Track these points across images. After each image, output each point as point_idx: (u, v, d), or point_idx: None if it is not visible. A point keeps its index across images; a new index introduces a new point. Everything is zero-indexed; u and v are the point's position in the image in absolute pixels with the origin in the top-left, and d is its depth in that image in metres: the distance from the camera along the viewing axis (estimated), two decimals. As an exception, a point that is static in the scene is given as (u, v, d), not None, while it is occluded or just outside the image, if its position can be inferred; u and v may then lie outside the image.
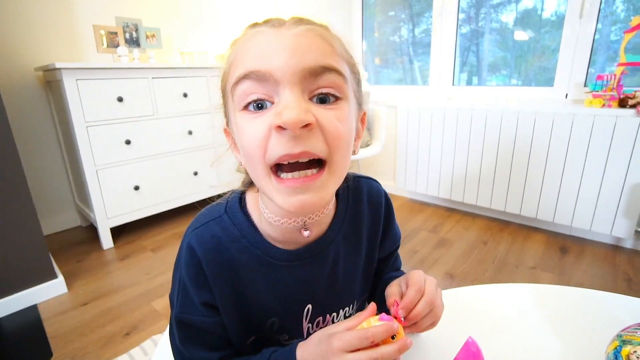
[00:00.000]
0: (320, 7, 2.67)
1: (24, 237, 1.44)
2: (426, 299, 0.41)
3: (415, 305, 0.40)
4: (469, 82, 2.50)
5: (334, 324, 0.39)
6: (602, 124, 1.69)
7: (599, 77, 1.77)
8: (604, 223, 1.77)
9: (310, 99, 0.34)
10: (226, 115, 0.40)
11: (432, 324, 0.43)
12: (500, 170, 2.06)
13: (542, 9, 2.12)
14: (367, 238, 0.51)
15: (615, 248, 1.81)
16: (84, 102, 1.75)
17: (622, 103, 1.70)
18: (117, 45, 2.17)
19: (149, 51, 2.24)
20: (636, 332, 0.42)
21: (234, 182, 0.48)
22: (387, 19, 2.86)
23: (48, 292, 1.52)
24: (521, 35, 2.23)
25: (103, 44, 2.15)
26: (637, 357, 0.39)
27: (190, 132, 2.18)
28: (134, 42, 2.26)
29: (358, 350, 0.35)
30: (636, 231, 1.73)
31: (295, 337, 0.47)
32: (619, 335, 0.43)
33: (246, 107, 0.34)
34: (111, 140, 1.87)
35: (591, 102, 1.77)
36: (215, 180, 2.37)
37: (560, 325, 0.56)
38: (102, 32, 2.14)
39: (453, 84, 2.44)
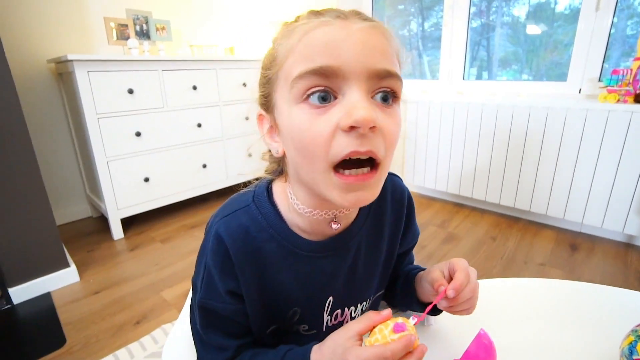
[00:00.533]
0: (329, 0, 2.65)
1: (38, 226, 1.47)
2: (471, 286, 0.42)
3: (463, 289, 0.42)
4: (479, 77, 2.47)
5: (346, 327, 0.38)
6: (616, 120, 1.66)
7: (615, 72, 1.73)
8: (616, 220, 1.74)
9: (372, 97, 0.34)
10: (268, 101, 0.39)
11: (467, 310, 0.44)
12: (510, 166, 2.03)
13: (555, 3, 2.08)
14: (389, 234, 0.51)
15: (628, 246, 1.78)
16: (95, 93, 1.76)
17: (638, 98, 1.66)
18: (128, 38, 2.18)
19: (159, 44, 2.25)
20: (652, 327, 0.41)
21: (260, 171, 0.48)
22: (397, 13, 2.83)
23: (61, 281, 1.56)
24: (533, 29, 2.19)
25: (113, 37, 2.17)
26: (653, 352, 0.39)
27: (199, 125, 2.19)
28: (144, 34, 2.27)
29: None
30: (649, 229, 1.70)
31: (315, 328, 0.48)
32: (634, 330, 0.43)
33: (307, 98, 0.34)
34: (122, 132, 1.89)
35: (606, 97, 1.74)
36: (224, 173, 2.39)
37: (573, 319, 0.56)
38: (113, 24, 2.15)
39: (463, 79, 2.41)
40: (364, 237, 0.48)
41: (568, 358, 0.48)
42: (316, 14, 0.36)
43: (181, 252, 1.82)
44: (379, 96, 0.34)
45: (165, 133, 2.06)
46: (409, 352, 0.35)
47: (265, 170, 0.48)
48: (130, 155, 1.94)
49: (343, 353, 0.35)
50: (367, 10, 2.77)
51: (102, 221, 2.19)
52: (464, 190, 2.25)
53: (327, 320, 0.48)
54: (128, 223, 2.11)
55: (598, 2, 1.82)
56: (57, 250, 1.54)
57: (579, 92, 1.95)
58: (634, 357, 0.40)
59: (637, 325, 0.43)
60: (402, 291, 0.54)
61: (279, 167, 0.46)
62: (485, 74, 2.46)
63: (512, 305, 0.60)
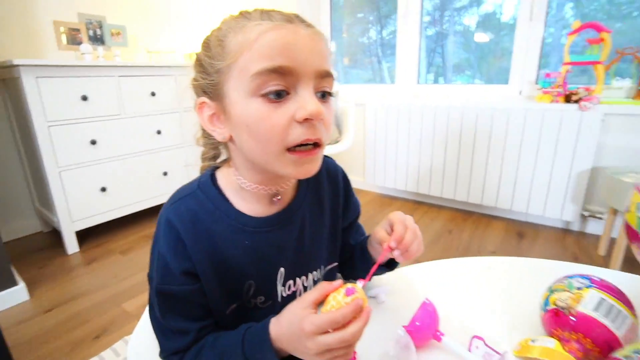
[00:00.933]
0: (288, 7, 2.70)
1: (-19, 242, 1.37)
2: (411, 230, 0.49)
3: (403, 236, 0.48)
4: (436, 82, 2.61)
5: (301, 298, 0.41)
6: (550, 118, 1.83)
7: (547, 75, 1.93)
8: (555, 208, 1.92)
9: (315, 93, 0.41)
10: (216, 89, 0.42)
11: (417, 251, 0.50)
12: (463, 163, 2.17)
13: (500, 13, 2.26)
14: (330, 207, 0.57)
15: (565, 231, 1.96)
16: (45, 100, 1.68)
17: (568, 99, 1.85)
18: (80, 43, 2.10)
19: (115, 49, 2.18)
20: (563, 282, 0.48)
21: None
22: (356, 21, 2.93)
23: (7, 301, 1.46)
24: (482, 37, 2.37)
25: (64, 41, 2.08)
26: (560, 301, 0.46)
27: (159, 132, 2.15)
28: (97, 39, 2.20)
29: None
30: (582, 214, 1.89)
31: (271, 299, 0.50)
32: (549, 287, 0.50)
33: (265, 93, 0.38)
34: (75, 141, 1.81)
35: (541, 98, 1.92)
36: (186, 180, 2.33)
37: (505, 286, 0.63)
38: (63, 28, 2.07)
39: (418, 83, 2.55)
40: (307, 211, 0.53)
41: (502, 316, 0.55)
42: (266, 14, 0.41)
43: (143, 262, 1.76)
44: (320, 94, 0.42)
45: (123, 141, 1.99)
46: (358, 314, 0.38)
47: (203, 156, 0.52)
48: (84, 165, 1.86)
49: (299, 322, 0.38)
50: (326, 18, 2.86)
51: (55, 235, 2.07)
52: (422, 188, 2.36)
53: (281, 290, 0.51)
54: (84, 236, 2.01)
55: (531, 13, 2.01)
56: (2, 269, 1.44)
57: (520, 93, 2.13)
58: (547, 307, 0.47)
59: (553, 283, 0.50)
60: (359, 260, 0.59)
61: (218, 152, 0.51)
62: (441, 79, 2.61)
63: (456, 280, 0.67)
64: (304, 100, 0.39)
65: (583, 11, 2.02)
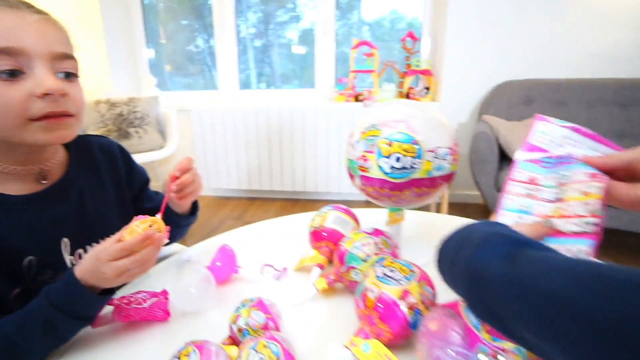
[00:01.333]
0: (92, 8, 2.42)
1: None
2: (191, 172, 0.60)
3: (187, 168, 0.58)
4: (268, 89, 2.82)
5: (104, 241, 0.45)
6: (345, 114, 2.29)
7: (340, 80, 2.39)
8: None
9: (56, 74, 0.45)
10: None
11: (195, 191, 0.63)
12: (285, 157, 2.45)
13: (314, 29, 2.64)
14: (111, 179, 0.62)
15: (369, 202, 2.47)
16: None
17: (357, 98, 2.35)
18: None
19: None
20: (319, 212, 0.68)
21: None
22: (180, 28, 2.86)
23: None
24: (300, 49, 2.71)
25: None
26: (315, 222, 0.65)
27: None
28: None
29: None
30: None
31: (60, 271, 0.50)
32: (311, 219, 0.68)
33: None
34: None
35: (339, 98, 2.37)
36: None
37: (295, 231, 0.81)
38: None
39: (240, 88, 2.71)
40: (84, 185, 0.57)
41: (287, 248, 0.71)
42: None
43: None
44: (62, 75, 0.46)
45: None
46: (151, 242, 0.45)
47: None
48: None
49: (96, 254, 0.43)
50: (138, 22, 2.69)
51: None
52: (253, 184, 2.54)
53: (71, 260, 0.53)
54: None
55: (324, 31, 2.46)
56: None
57: (324, 95, 2.56)
58: (310, 230, 0.66)
59: (314, 215, 0.69)
60: (168, 220, 0.64)
61: None
62: (273, 87, 2.85)
63: (257, 235, 0.82)
64: (40, 78, 0.43)
65: (375, 33, 2.60)
